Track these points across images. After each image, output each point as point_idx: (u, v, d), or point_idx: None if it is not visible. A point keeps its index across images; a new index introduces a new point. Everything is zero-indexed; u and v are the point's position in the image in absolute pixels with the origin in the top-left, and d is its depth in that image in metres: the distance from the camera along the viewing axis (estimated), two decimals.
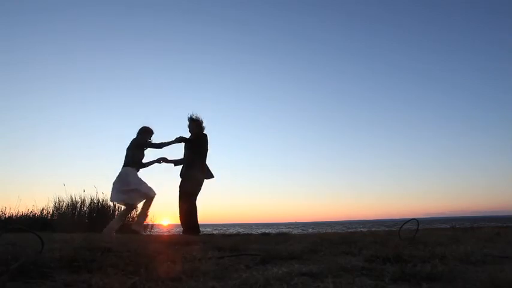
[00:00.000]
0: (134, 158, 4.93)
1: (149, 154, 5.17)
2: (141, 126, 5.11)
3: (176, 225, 5.15)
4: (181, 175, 5.17)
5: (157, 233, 6.65)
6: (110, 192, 4.86)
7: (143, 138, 5.04)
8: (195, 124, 5.21)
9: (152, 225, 7.50)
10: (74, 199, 6.79)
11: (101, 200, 6.80)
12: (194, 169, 5.04)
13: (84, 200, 6.79)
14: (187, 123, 5.26)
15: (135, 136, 5.08)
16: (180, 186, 5.08)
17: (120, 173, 4.86)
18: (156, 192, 4.97)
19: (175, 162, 5.29)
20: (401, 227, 3.33)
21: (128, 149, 4.97)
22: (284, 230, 6.79)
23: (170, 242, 3.06)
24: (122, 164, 4.95)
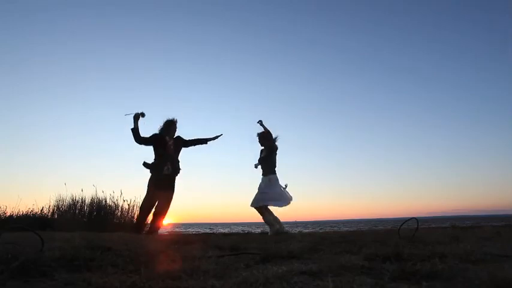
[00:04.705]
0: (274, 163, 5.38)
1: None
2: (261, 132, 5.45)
3: (176, 225, 5.10)
4: (174, 175, 5.04)
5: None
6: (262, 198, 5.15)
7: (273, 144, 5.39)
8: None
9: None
10: (74, 198, 6.78)
11: (101, 199, 6.78)
12: None
13: (84, 199, 6.78)
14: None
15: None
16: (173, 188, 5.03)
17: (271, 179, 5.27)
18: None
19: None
20: (401, 226, 3.33)
21: (266, 156, 5.33)
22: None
23: (170, 241, 3.06)
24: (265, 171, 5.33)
